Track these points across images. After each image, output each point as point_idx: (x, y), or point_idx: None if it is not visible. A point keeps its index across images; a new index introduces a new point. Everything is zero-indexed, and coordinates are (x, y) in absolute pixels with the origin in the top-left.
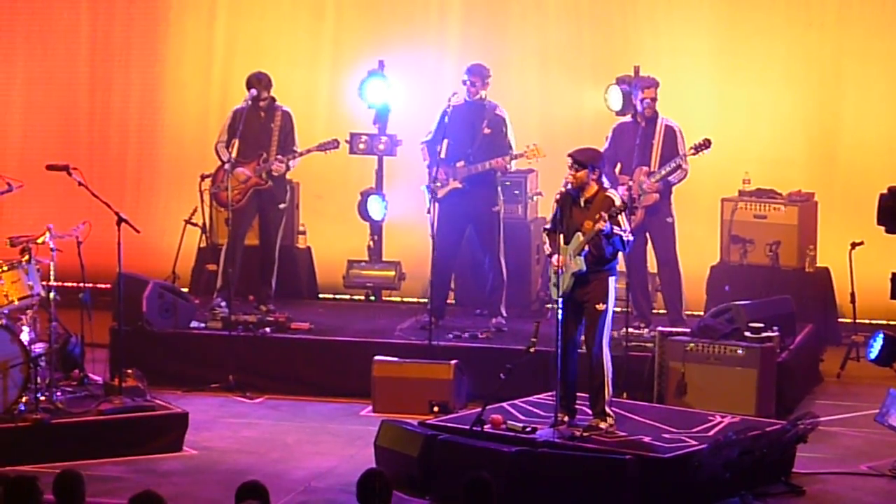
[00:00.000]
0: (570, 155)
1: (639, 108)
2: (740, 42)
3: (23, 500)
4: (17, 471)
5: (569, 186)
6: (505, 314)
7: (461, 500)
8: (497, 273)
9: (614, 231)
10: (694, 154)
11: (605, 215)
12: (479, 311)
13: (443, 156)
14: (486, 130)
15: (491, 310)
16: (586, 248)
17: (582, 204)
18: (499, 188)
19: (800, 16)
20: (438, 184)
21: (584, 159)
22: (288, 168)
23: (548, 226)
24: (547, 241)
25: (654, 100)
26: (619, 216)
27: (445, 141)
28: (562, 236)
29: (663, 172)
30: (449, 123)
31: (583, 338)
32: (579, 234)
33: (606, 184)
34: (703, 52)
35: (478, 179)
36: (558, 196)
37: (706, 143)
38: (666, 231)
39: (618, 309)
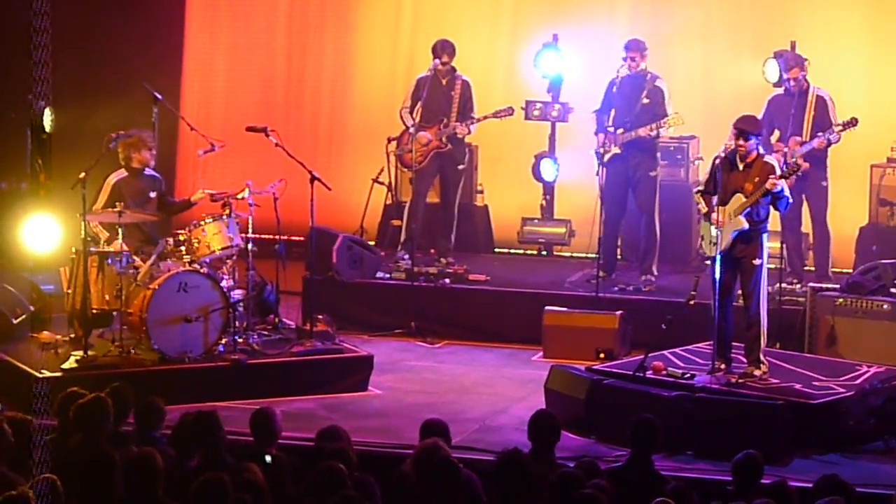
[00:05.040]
0: (735, 125)
1: (787, 85)
2: (892, 18)
3: (203, 433)
4: (211, 407)
5: (730, 151)
6: (655, 273)
7: (629, 440)
8: (651, 234)
9: (784, 192)
10: (842, 131)
11: (776, 176)
12: None
13: (610, 124)
14: (645, 101)
15: (642, 268)
16: (748, 208)
17: (741, 168)
18: (658, 154)
19: None
20: (603, 149)
21: (748, 128)
22: (469, 132)
23: (700, 188)
24: (702, 201)
25: (797, 80)
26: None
27: (613, 110)
28: (714, 197)
29: (811, 145)
30: (615, 94)
31: (739, 291)
32: (740, 195)
33: (762, 150)
34: (856, 27)
35: (637, 146)
36: (717, 160)
37: (853, 122)
38: (820, 193)
39: (772, 265)
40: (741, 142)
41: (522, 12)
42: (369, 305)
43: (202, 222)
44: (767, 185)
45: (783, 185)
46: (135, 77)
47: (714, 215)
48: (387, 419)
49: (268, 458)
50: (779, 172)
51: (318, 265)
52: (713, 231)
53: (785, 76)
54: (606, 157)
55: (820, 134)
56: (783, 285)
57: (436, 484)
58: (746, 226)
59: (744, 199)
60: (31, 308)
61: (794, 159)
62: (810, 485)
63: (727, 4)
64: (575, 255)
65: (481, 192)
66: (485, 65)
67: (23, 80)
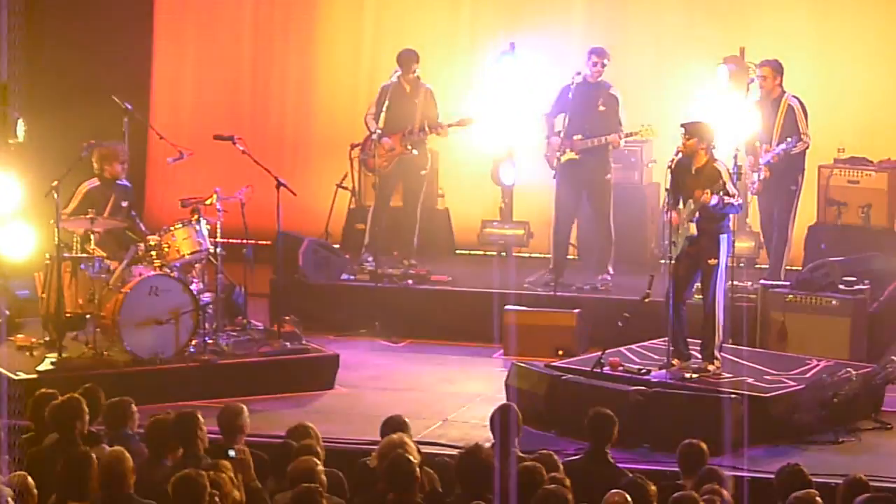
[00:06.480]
0: (682, 125)
1: (756, 83)
2: (836, 25)
3: (187, 431)
4: (181, 406)
5: (679, 155)
6: (611, 272)
7: (586, 432)
8: (606, 235)
9: (725, 201)
10: (786, 148)
11: (710, 191)
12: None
13: (558, 128)
14: (601, 108)
15: (598, 268)
16: (696, 215)
17: (693, 172)
18: (611, 159)
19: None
20: (559, 153)
21: (693, 129)
22: (444, 133)
23: (668, 187)
24: (670, 200)
25: (764, 77)
26: (727, 184)
27: (564, 115)
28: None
29: (773, 154)
30: (570, 100)
31: (694, 289)
32: (691, 201)
33: (717, 155)
34: (803, 33)
35: (592, 151)
36: (670, 164)
37: (795, 140)
38: (788, 197)
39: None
40: (684, 140)
41: (480, 22)
42: (335, 306)
43: (172, 227)
44: (703, 200)
45: (727, 192)
46: (105, 89)
47: (672, 215)
48: (353, 416)
49: (231, 453)
50: (724, 178)
51: (284, 268)
52: (671, 232)
53: (758, 72)
54: (563, 158)
55: (776, 147)
56: (735, 283)
57: (393, 478)
58: (696, 232)
59: (692, 206)
60: (7, 312)
61: (760, 168)
62: (763, 475)
63: (679, 12)
64: (533, 255)
65: (442, 195)
66: (444, 72)
67: None
